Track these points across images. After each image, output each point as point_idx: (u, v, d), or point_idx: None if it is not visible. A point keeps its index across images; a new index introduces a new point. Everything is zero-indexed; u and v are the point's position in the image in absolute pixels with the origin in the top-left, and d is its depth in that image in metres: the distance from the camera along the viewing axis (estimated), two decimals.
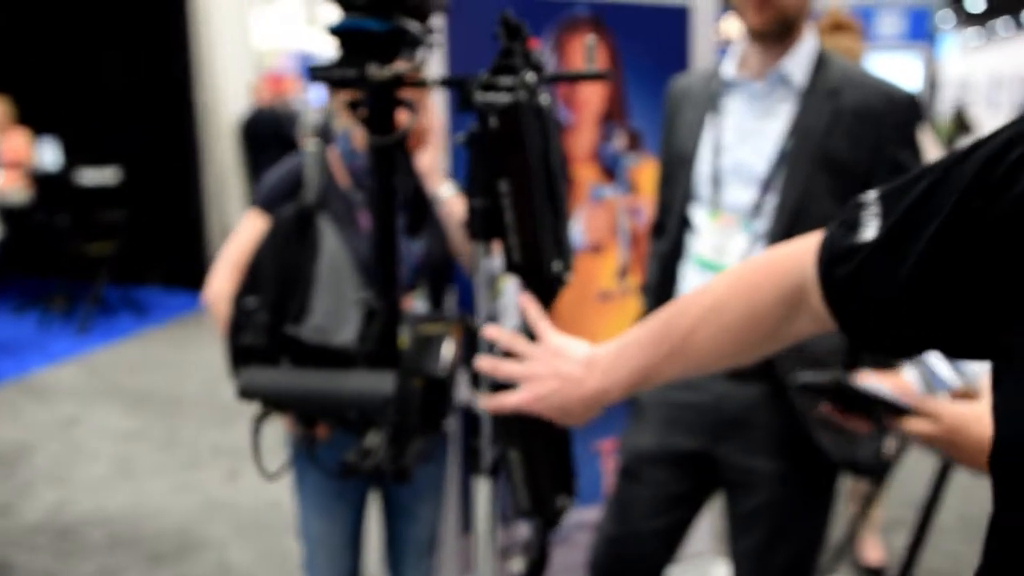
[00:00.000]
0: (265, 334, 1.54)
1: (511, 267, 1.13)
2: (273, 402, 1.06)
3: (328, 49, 1.17)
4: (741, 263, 0.99)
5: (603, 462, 2.64)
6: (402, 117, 1.27)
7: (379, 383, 1.06)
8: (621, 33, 2.48)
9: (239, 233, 1.84)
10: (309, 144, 1.79)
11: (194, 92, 6.82)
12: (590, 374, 1.06)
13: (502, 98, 1.00)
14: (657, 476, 1.84)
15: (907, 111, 1.58)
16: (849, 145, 1.58)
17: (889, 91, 1.61)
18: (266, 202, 1.83)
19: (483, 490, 1.29)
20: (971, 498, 3.29)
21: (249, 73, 7.47)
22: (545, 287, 1.15)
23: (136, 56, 6.82)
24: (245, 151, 7.10)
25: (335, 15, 1.19)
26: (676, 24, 2.57)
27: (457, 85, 1.16)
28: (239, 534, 3.29)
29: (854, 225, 0.77)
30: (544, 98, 1.08)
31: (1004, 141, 0.63)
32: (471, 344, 1.24)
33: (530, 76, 1.03)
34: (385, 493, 2.04)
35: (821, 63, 1.64)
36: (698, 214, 1.75)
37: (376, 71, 1.14)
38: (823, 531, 1.83)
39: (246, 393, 1.07)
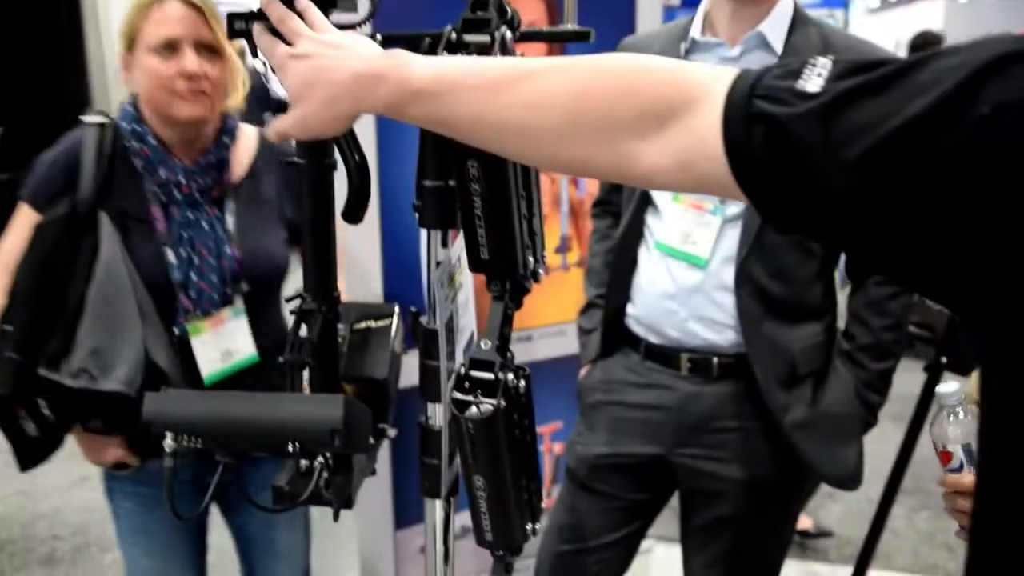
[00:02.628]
0: (12, 380, 1.33)
1: (477, 265, 0.96)
2: (190, 434, 0.86)
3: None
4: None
5: (543, 447, 2.51)
6: None
7: (322, 409, 0.88)
8: None
9: (11, 231, 1.48)
10: (90, 116, 1.49)
11: (86, 41, 6.29)
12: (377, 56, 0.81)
13: None
14: (611, 486, 1.70)
15: None
16: None
17: (872, 54, 1.47)
18: (36, 196, 1.46)
19: (438, 516, 1.12)
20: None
21: None
22: (516, 286, 0.98)
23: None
24: None
25: None
26: None
27: (406, 42, 0.97)
28: None
29: (797, 73, 0.63)
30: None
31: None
32: (426, 348, 1.06)
33: (506, 33, 0.85)
34: (235, 526, 1.75)
35: (796, 23, 1.49)
36: (661, 196, 1.60)
37: None
38: (788, 541, 1.73)
39: (153, 425, 0.87)
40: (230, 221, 1.53)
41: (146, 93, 1.45)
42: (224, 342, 1.49)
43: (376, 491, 2.26)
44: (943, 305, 0.66)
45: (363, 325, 1.27)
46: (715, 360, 1.57)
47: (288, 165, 1.04)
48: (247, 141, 1.61)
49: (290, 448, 0.86)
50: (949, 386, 1.10)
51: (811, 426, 1.53)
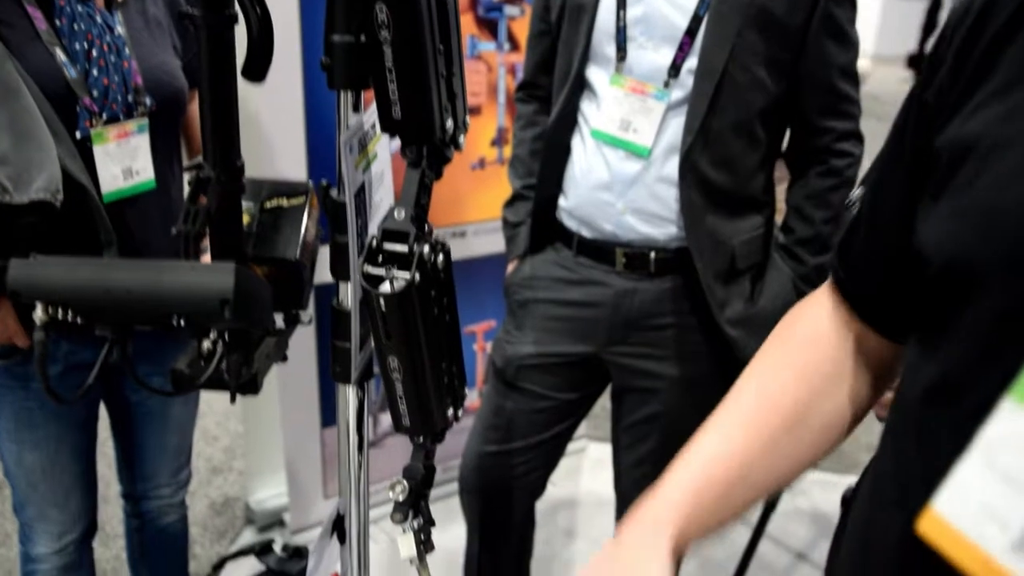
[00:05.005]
0: None
1: (388, 125, 0.87)
2: (62, 304, 0.77)
3: None
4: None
5: (476, 346, 2.46)
6: None
7: (210, 278, 0.79)
8: None
9: None
10: None
11: None
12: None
13: None
14: (540, 386, 1.65)
15: None
16: None
17: None
18: None
19: (350, 402, 1.06)
20: None
21: None
22: (433, 151, 0.89)
23: None
24: None
25: None
26: None
27: None
28: None
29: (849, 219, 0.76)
30: None
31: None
32: (335, 223, 0.98)
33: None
34: (130, 403, 1.66)
35: None
36: (597, 79, 1.50)
37: None
38: None
39: (19, 293, 0.77)
40: (121, 31, 1.42)
41: None
42: (127, 159, 1.41)
43: (302, 389, 2.20)
44: None
45: (274, 203, 1.18)
46: (652, 255, 1.51)
47: (183, 18, 0.93)
48: None
49: (175, 322, 0.78)
50: None
51: (748, 321, 1.49)
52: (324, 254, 1.12)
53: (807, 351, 0.76)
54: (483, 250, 2.31)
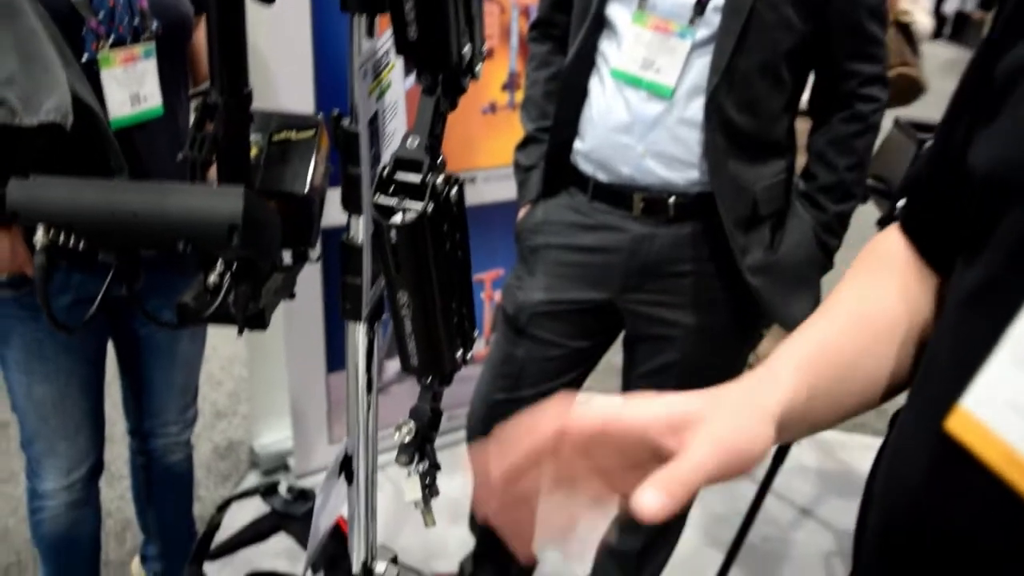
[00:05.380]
0: None
1: (404, 47, 0.83)
2: (65, 227, 0.74)
3: None
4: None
5: (484, 294, 2.44)
6: None
7: (219, 202, 0.76)
8: None
9: None
10: None
11: None
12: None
13: None
14: (552, 333, 1.62)
15: None
16: None
17: None
18: None
19: (360, 340, 1.03)
20: None
21: None
22: (450, 78, 0.86)
23: None
24: None
25: None
26: None
27: None
28: None
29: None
30: None
31: None
32: (347, 154, 0.94)
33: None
34: (128, 333, 1.64)
35: None
36: (619, 16, 1.45)
37: None
38: None
39: (19, 215, 0.74)
40: None
41: None
42: (135, 84, 1.39)
43: (308, 334, 2.18)
44: None
45: (283, 136, 1.14)
46: (671, 200, 1.47)
47: None
48: None
49: (181, 247, 0.75)
50: None
51: (769, 269, 1.46)
52: (331, 196, 1.10)
53: (901, 272, 0.74)
54: (493, 197, 2.28)
